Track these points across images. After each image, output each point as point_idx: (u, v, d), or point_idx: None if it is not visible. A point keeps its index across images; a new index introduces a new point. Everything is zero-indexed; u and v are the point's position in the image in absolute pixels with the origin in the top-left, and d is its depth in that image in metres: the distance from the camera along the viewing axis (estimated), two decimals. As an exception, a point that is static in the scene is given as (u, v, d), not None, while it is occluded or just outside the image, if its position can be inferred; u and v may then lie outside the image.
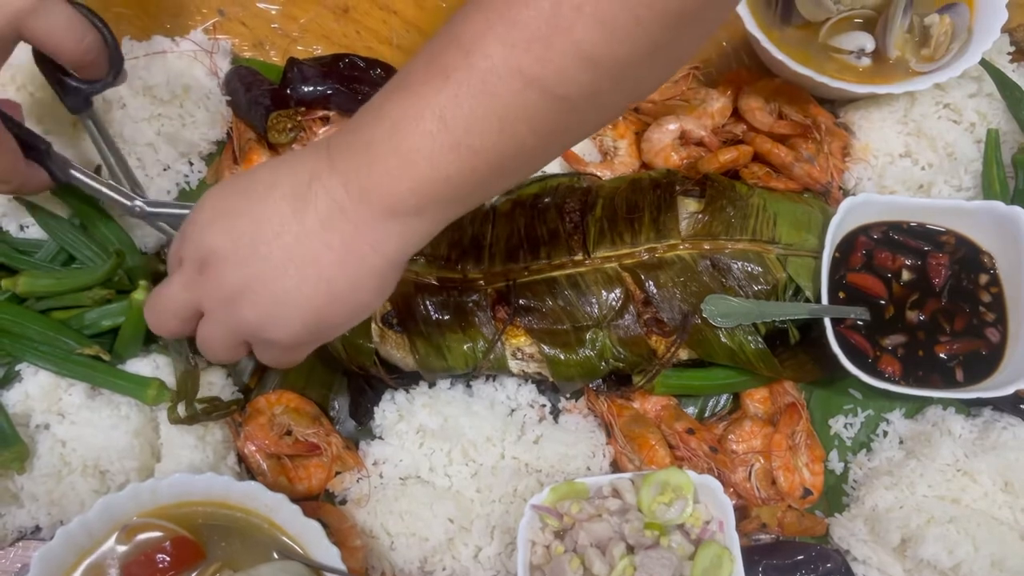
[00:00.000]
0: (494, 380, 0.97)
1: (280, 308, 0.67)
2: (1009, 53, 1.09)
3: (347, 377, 0.98)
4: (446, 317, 0.92)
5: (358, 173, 0.64)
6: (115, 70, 0.89)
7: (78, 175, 0.91)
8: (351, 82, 1.06)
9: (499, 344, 0.92)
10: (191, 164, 1.05)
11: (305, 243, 0.66)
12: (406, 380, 0.97)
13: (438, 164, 0.63)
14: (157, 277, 0.94)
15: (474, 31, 0.61)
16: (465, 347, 0.92)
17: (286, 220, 0.66)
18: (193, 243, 0.70)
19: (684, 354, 0.95)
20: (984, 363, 0.94)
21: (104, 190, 0.91)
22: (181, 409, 0.89)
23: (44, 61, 0.87)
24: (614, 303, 0.92)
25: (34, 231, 0.98)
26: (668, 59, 0.67)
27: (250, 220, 0.67)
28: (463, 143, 0.62)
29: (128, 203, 0.91)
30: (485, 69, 0.60)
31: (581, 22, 0.59)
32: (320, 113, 1.06)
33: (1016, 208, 0.94)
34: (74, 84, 0.89)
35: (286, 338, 0.69)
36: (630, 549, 0.82)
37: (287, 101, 1.05)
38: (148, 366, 0.92)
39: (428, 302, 0.92)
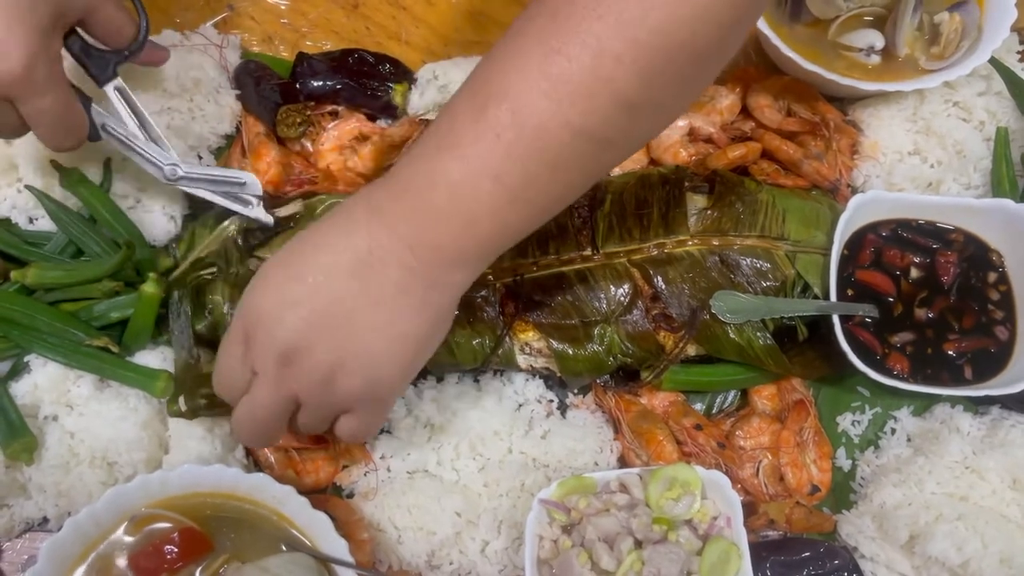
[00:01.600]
0: (502, 375, 0.97)
1: (377, 371, 0.71)
2: (1018, 52, 1.09)
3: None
4: (455, 312, 0.91)
5: (422, 237, 0.67)
6: (143, 35, 0.90)
7: (117, 132, 0.91)
8: (360, 77, 1.06)
9: (507, 339, 0.92)
10: (200, 158, 1.05)
11: (382, 309, 0.69)
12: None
13: (498, 219, 0.67)
14: (165, 270, 0.94)
15: (518, 88, 0.63)
16: (474, 343, 0.92)
17: (356, 294, 0.68)
18: (266, 345, 0.69)
19: (692, 350, 0.95)
20: (993, 361, 0.94)
21: (141, 152, 0.92)
22: (181, 403, 0.88)
23: (68, 34, 0.86)
24: (622, 298, 0.93)
25: (43, 223, 0.99)
26: (695, 91, 0.72)
27: (320, 302, 0.68)
28: (520, 197, 0.66)
29: (163, 166, 0.92)
30: (535, 126, 0.63)
31: (621, 72, 0.62)
32: (329, 108, 1.06)
33: (1025, 206, 0.95)
34: (99, 53, 0.89)
35: (386, 394, 0.74)
36: (638, 544, 0.82)
37: (296, 95, 1.05)
38: (157, 358, 0.92)
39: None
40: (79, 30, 0.87)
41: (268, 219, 0.96)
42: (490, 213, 0.66)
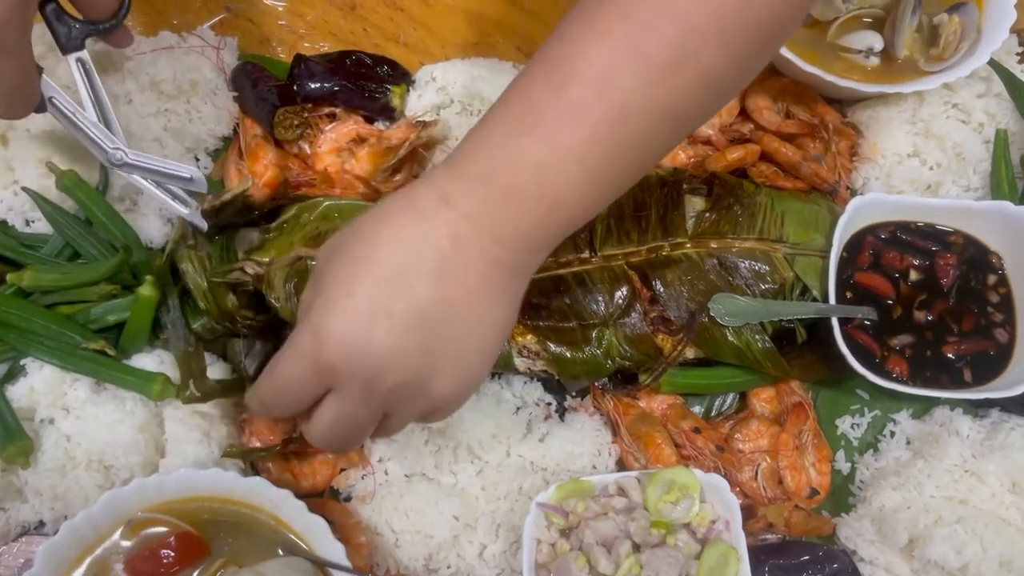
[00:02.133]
0: (500, 378, 0.97)
1: (468, 369, 0.67)
2: (1018, 53, 1.08)
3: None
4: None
5: (506, 226, 0.64)
6: (124, 13, 0.89)
7: (62, 106, 0.89)
8: (358, 79, 1.06)
9: (505, 342, 0.92)
10: (197, 160, 1.05)
11: (473, 306, 0.65)
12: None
13: (582, 200, 0.65)
14: (161, 273, 0.94)
15: (601, 64, 0.62)
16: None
17: (444, 294, 0.63)
18: (351, 368, 0.63)
19: (691, 353, 0.94)
20: (992, 363, 0.94)
21: (86, 130, 0.90)
22: (192, 388, 0.89)
23: None
24: (620, 301, 0.92)
25: (39, 226, 0.98)
26: (762, 66, 0.71)
27: (407, 311, 0.63)
28: (601, 178, 0.65)
29: (109, 149, 0.90)
30: (620, 104, 0.62)
31: (707, 49, 0.62)
32: (327, 110, 1.06)
33: (1025, 208, 0.94)
34: (71, 21, 0.88)
35: (474, 388, 0.70)
36: (636, 547, 0.82)
37: (294, 98, 1.05)
38: (153, 361, 0.92)
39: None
40: None
41: (202, 225, 0.93)
42: (575, 196, 0.64)
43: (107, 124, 0.92)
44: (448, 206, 0.63)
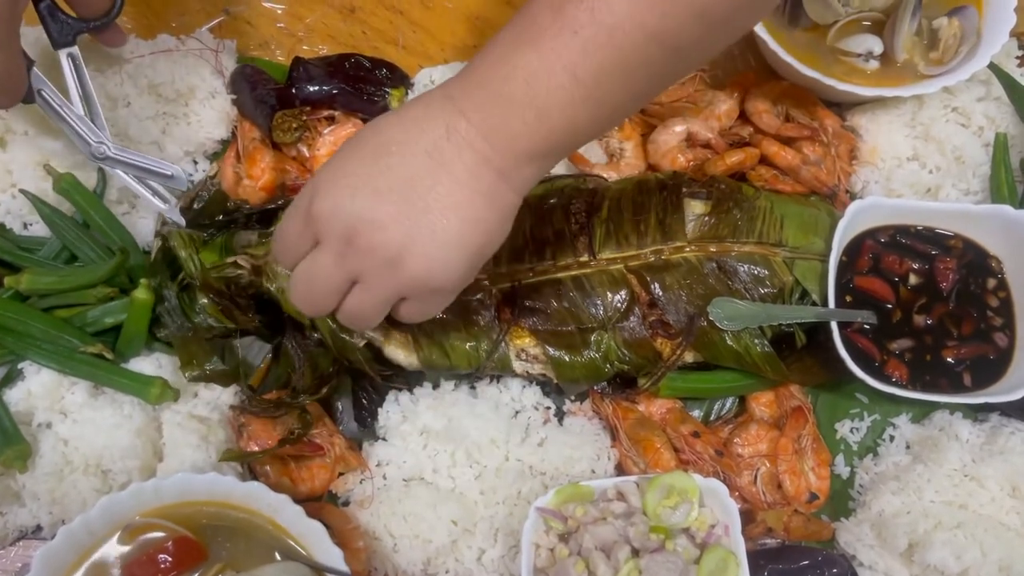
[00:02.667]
0: (498, 382, 0.97)
1: (445, 252, 0.71)
2: (1017, 57, 1.08)
3: (350, 378, 0.98)
4: (450, 316, 0.91)
5: (496, 126, 0.69)
6: (116, 11, 0.90)
7: (50, 99, 0.91)
8: (357, 82, 1.06)
9: (503, 344, 0.92)
10: (195, 163, 1.05)
11: (458, 191, 0.70)
12: (410, 381, 0.97)
13: (569, 115, 0.69)
14: (156, 267, 0.94)
15: None
16: (468, 346, 0.91)
17: (435, 172, 0.69)
18: (336, 218, 0.70)
19: (690, 357, 0.94)
20: (992, 368, 0.94)
21: (72, 123, 0.92)
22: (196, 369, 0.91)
23: None
24: (619, 305, 0.92)
25: (37, 229, 0.99)
26: (763, 12, 0.77)
27: (397, 179, 0.69)
28: (592, 96, 0.68)
29: (93, 143, 0.92)
30: (611, 25, 0.66)
31: None
32: (325, 113, 1.06)
33: (1024, 212, 0.94)
34: (64, 18, 0.89)
35: (449, 282, 0.73)
36: (635, 552, 0.82)
37: (292, 100, 1.04)
38: (151, 365, 0.92)
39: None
40: None
41: (180, 220, 0.96)
42: (561, 107, 0.68)
43: (93, 119, 0.93)
44: (450, 102, 0.70)
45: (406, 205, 0.69)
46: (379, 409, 0.96)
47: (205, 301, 0.92)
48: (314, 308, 0.76)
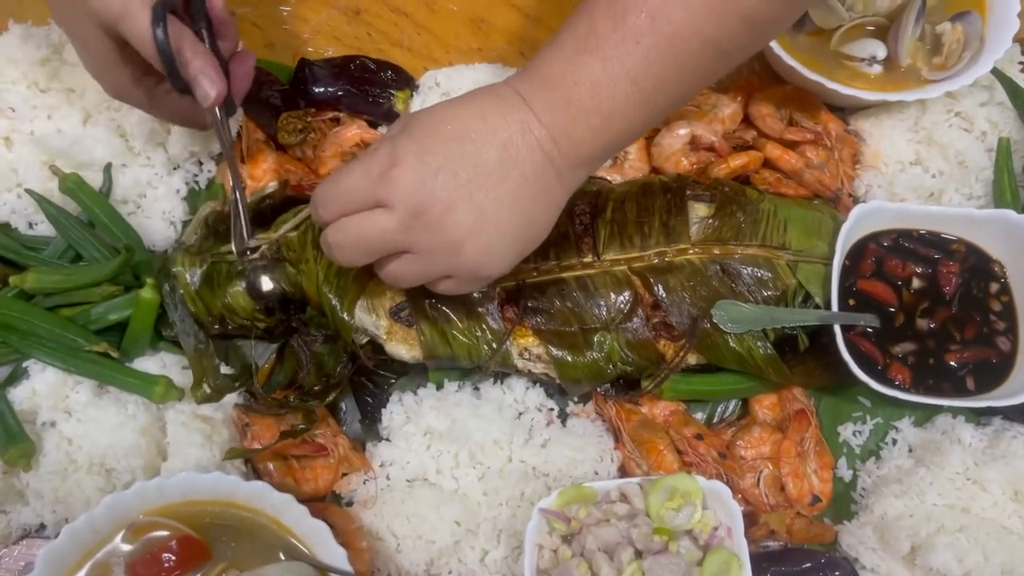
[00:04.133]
0: (502, 383, 0.97)
1: (502, 245, 0.76)
2: (1020, 63, 1.09)
3: (351, 378, 0.98)
4: (455, 309, 0.91)
5: (565, 130, 0.73)
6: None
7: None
8: (362, 84, 1.06)
9: (506, 340, 0.92)
10: (200, 164, 1.05)
11: (524, 188, 0.74)
12: (414, 379, 0.97)
13: (630, 119, 0.74)
14: (165, 273, 0.94)
15: None
16: (469, 338, 0.91)
17: (507, 167, 0.73)
18: (415, 193, 0.72)
19: (693, 359, 0.94)
20: (995, 372, 0.94)
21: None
22: (206, 387, 0.90)
23: None
24: (623, 306, 0.92)
25: (42, 228, 0.99)
26: (800, 11, 0.83)
27: (473, 168, 0.72)
28: (649, 100, 0.73)
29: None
30: (670, 34, 0.71)
31: None
32: (331, 114, 1.06)
33: (1027, 217, 0.94)
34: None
35: (496, 272, 0.78)
36: (638, 554, 0.82)
37: (297, 102, 1.05)
38: (156, 364, 0.92)
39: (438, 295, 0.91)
40: None
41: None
42: (624, 112, 0.73)
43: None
44: (523, 100, 0.73)
45: (480, 194, 0.72)
46: (383, 410, 0.96)
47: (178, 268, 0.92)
48: (352, 258, 0.77)
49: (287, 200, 0.98)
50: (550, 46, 0.74)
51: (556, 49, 0.74)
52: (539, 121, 0.73)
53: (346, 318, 0.91)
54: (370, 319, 0.91)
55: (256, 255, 0.92)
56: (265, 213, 0.97)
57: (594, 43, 0.72)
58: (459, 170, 0.72)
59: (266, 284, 0.93)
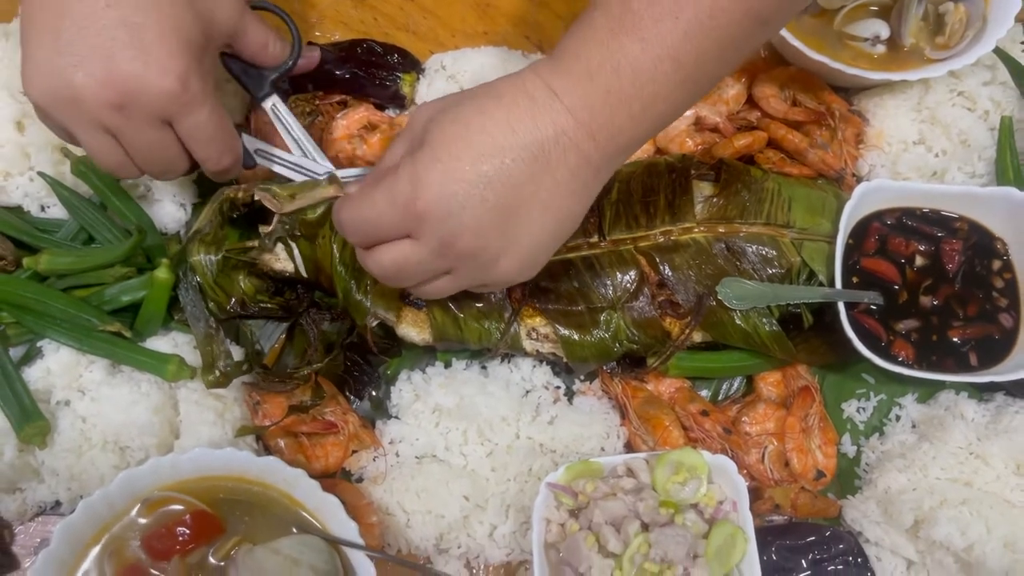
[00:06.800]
0: (509, 362, 0.98)
1: (535, 254, 0.74)
2: (1022, 42, 1.09)
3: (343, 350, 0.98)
4: (465, 293, 0.92)
5: (603, 123, 0.69)
6: (296, 53, 0.94)
7: (272, 155, 0.94)
8: (369, 67, 1.07)
9: (514, 323, 0.93)
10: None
11: (557, 194, 0.71)
12: (423, 359, 0.98)
13: (672, 101, 0.70)
14: (178, 257, 0.95)
15: None
16: (480, 323, 0.93)
17: (539, 177, 0.69)
18: (443, 224, 0.69)
19: (698, 336, 0.95)
20: (997, 348, 0.95)
21: (294, 168, 0.95)
22: (216, 372, 0.90)
23: (226, 56, 0.91)
24: (629, 285, 0.93)
25: (55, 211, 1.00)
26: None
27: (503, 188, 0.69)
28: (691, 78, 0.69)
29: (316, 174, 0.94)
30: (711, 5, 0.66)
31: None
32: (338, 97, 1.07)
33: (1029, 194, 0.95)
34: (257, 71, 0.92)
35: (530, 276, 0.76)
36: (644, 527, 0.83)
37: (305, 85, 1.06)
38: (168, 344, 0.93)
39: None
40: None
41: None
42: (665, 95, 0.69)
43: (309, 155, 0.96)
44: (556, 98, 0.68)
45: (509, 215, 0.70)
46: (392, 388, 0.97)
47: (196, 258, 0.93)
48: (396, 284, 0.78)
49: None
50: (581, 27, 0.69)
51: (589, 30, 0.69)
52: (575, 120, 0.68)
53: (359, 299, 0.92)
54: (382, 301, 0.92)
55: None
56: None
57: (631, 21, 0.67)
58: (487, 194, 0.68)
59: (282, 257, 0.94)
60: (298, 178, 0.95)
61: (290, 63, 0.94)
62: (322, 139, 1.05)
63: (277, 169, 0.95)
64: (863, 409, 0.99)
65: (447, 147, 0.69)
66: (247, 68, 0.93)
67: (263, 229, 0.93)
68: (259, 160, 0.94)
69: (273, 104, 0.94)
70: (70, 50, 0.74)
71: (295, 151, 0.95)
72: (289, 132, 0.95)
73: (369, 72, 1.07)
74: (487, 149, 0.68)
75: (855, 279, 0.96)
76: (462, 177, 0.68)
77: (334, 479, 0.93)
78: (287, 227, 0.92)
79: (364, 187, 0.73)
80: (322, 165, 0.95)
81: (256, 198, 0.91)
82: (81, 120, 0.77)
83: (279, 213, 0.91)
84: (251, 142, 0.94)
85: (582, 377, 0.99)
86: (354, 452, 0.94)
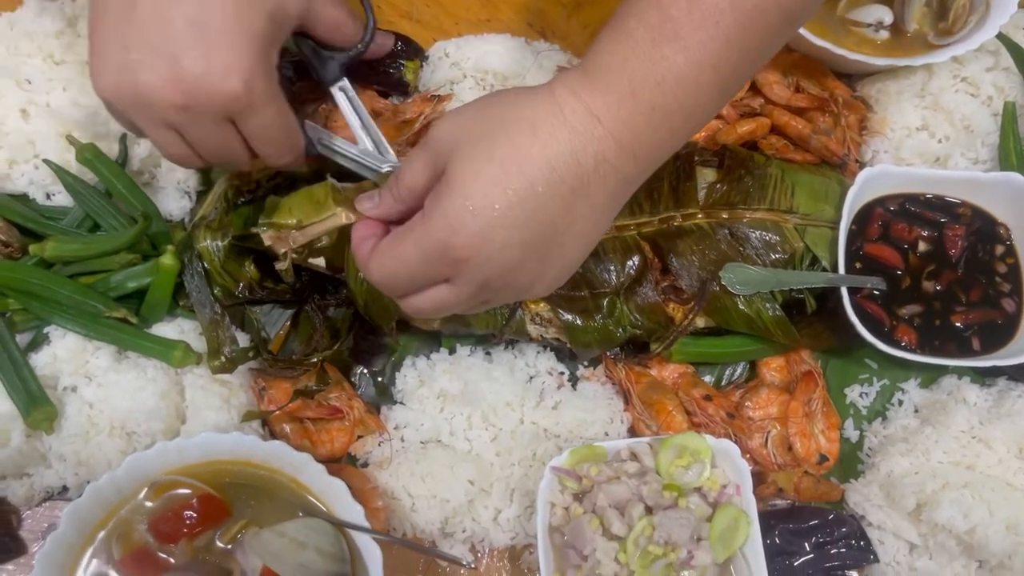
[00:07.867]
0: (513, 347, 0.98)
1: (564, 275, 0.73)
2: (1026, 27, 1.09)
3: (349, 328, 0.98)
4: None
5: (646, 142, 0.67)
6: (370, 34, 0.92)
7: (333, 144, 0.90)
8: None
9: (519, 309, 0.93)
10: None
11: (591, 219, 0.69)
12: (427, 345, 0.99)
13: (708, 111, 0.69)
14: (183, 243, 0.95)
15: None
16: (488, 311, 0.93)
17: (575, 207, 0.67)
18: (481, 269, 0.67)
19: (701, 322, 0.95)
20: (1000, 332, 0.95)
21: (356, 158, 0.91)
22: (223, 358, 0.91)
23: (299, 35, 0.89)
24: (632, 271, 0.93)
25: (60, 199, 1.00)
26: None
27: (540, 227, 0.66)
28: (727, 84, 0.68)
29: (379, 168, 0.91)
30: (751, 8, 0.64)
31: None
32: (342, 84, 1.07)
33: (1032, 179, 0.95)
34: (328, 54, 0.90)
35: (552, 291, 0.74)
36: (648, 510, 0.83)
37: (310, 72, 1.05)
38: (174, 330, 0.94)
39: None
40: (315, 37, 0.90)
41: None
42: (704, 104, 0.67)
43: (377, 144, 0.92)
44: (598, 123, 0.65)
45: (546, 247, 0.68)
46: (397, 374, 0.97)
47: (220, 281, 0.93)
48: (433, 317, 0.79)
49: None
50: (617, 37, 0.66)
51: (627, 41, 0.65)
52: (617, 144, 0.65)
53: (388, 302, 0.91)
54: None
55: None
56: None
57: (671, 30, 0.64)
58: (524, 236, 0.66)
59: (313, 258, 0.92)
60: (358, 168, 0.91)
61: (361, 47, 0.91)
62: (327, 126, 1.06)
63: (339, 160, 0.91)
64: (866, 394, 0.99)
65: (481, 191, 0.65)
66: (318, 50, 0.90)
67: (278, 267, 0.91)
68: (320, 150, 0.90)
69: (341, 87, 0.92)
70: (135, 47, 0.73)
71: (361, 141, 0.91)
72: (360, 119, 0.92)
73: (372, 60, 1.06)
74: (524, 192, 0.65)
75: (858, 264, 0.97)
76: (500, 224, 0.65)
77: (340, 464, 0.94)
78: (300, 255, 0.92)
79: (393, 240, 0.70)
80: (387, 159, 0.91)
81: (266, 244, 0.89)
82: (146, 117, 0.77)
83: (289, 250, 0.90)
84: (313, 131, 0.90)
85: (586, 363, 0.99)
86: (359, 437, 0.95)
